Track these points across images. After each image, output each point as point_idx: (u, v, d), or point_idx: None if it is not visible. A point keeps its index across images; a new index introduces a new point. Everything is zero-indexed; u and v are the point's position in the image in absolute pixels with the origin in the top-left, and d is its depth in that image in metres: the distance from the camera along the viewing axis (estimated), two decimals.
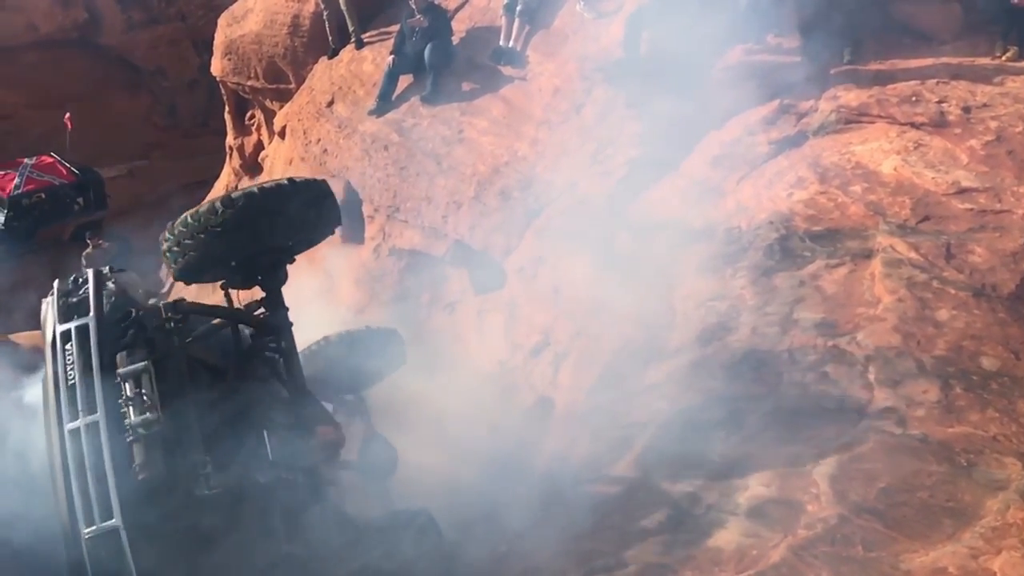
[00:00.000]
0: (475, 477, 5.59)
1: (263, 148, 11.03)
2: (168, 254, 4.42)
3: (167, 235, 4.42)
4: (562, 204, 7.11)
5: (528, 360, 6.54)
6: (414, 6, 8.49)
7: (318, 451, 4.37)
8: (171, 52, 17.24)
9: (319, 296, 7.33)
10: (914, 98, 6.32)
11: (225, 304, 4.72)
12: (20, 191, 13.27)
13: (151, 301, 4.69)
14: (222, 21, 10.77)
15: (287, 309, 4.68)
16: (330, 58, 9.50)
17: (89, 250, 12.12)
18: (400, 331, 6.10)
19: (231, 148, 11.61)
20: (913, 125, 6.14)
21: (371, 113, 8.60)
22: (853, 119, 6.35)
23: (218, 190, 11.95)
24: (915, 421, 4.35)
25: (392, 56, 8.63)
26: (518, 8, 8.25)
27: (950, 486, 4.03)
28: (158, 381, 4.00)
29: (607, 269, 6.22)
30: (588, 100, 7.60)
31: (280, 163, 10.06)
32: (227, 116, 11.57)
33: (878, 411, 4.44)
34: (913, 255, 5.23)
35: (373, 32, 9.42)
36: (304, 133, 9.11)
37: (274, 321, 4.63)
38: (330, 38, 9.51)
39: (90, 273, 4.51)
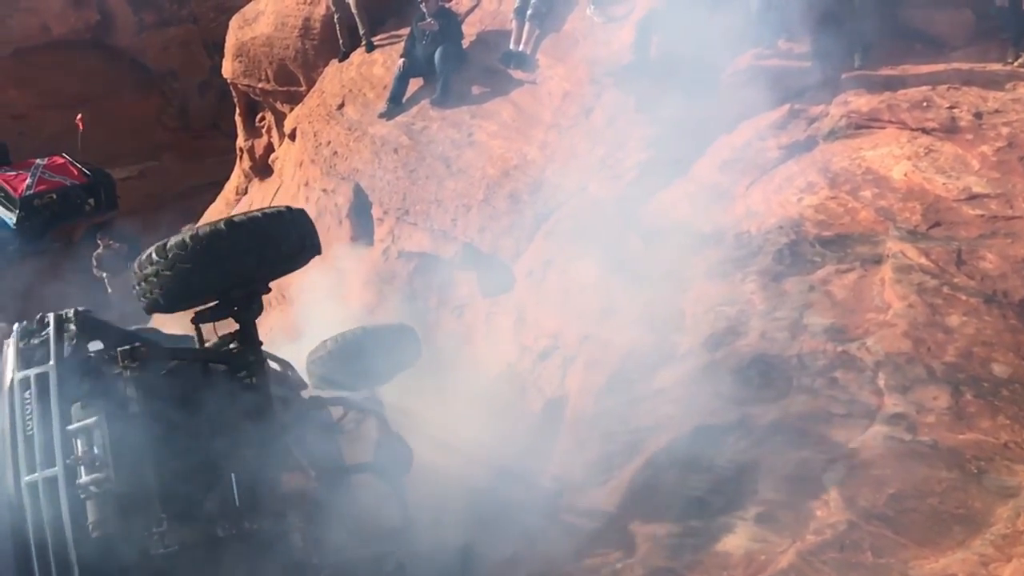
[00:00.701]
0: (483, 480, 5.59)
1: (273, 150, 11.07)
2: (142, 284, 4.21)
3: (155, 256, 4.16)
4: (571, 207, 7.11)
5: (537, 363, 6.54)
6: (425, 10, 8.52)
7: (285, 498, 4.19)
8: (182, 54, 17.36)
9: (329, 296, 7.35)
10: (925, 104, 6.30)
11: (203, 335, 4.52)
12: (32, 191, 13.36)
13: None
14: (233, 23, 10.82)
15: (260, 343, 4.49)
16: (341, 61, 9.54)
17: (100, 250, 12.20)
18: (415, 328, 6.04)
19: (241, 150, 11.66)
20: (924, 131, 6.12)
21: (381, 116, 8.63)
22: (864, 124, 6.34)
23: (228, 191, 12.01)
24: (925, 427, 4.34)
25: (402, 59, 8.66)
26: (528, 12, 8.26)
27: (960, 493, 4.02)
28: (113, 432, 3.84)
29: (616, 273, 6.22)
30: (598, 104, 7.61)
31: (290, 165, 10.10)
32: (237, 118, 11.62)
33: (888, 417, 4.44)
34: (923, 261, 5.21)
35: (384, 35, 9.45)
36: (314, 135, 9.14)
37: (246, 357, 4.42)
38: (341, 41, 9.55)
39: (51, 317, 4.30)
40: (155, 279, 4.19)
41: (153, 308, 4.40)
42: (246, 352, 4.44)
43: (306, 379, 5.53)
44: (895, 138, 6.14)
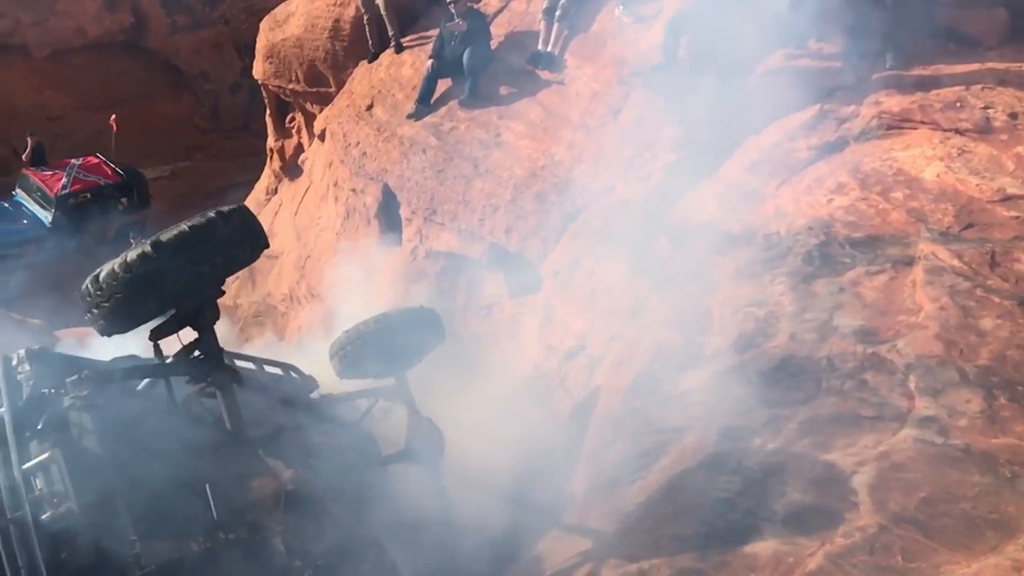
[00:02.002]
0: (508, 479, 5.61)
1: (303, 150, 11.19)
2: (90, 314, 4.17)
3: (93, 286, 4.11)
4: (599, 208, 7.11)
5: (563, 364, 6.55)
6: (453, 11, 8.56)
7: (259, 504, 4.15)
8: (214, 55, 17.59)
9: (358, 295, 7.42)
10: (958, 104, 6.22)
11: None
12: (67, 191, 13.61)
13: None
14: (264, 25, 10.94)
15: (222, 349, 4.48)
16: (370, 62, 9.61)
17: None
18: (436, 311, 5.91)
19: (271, 150, 11.78)
20: (957, 131, 6.04)
21: (410, 117, 8.68)
22: (895, 125, 6.27)
23: (258, 191, 12.14)
24: (957, 431, 4.29)
25: (431, 60, 8.71)
26: (557, 13, 8.28)
27: (993, 497, 3.97)
28: (70, 464, 3.81)
29: (644, 273, 6.21)
30: (626, 104, 7.61)
31: (320, 165, 10.20)
32: (268, 118, 11.74)
33: (919, 420, 4.39)
34: (956, 263, 5.15)
35: (412, 36, 9.52)
36: (343, 136, 9.22)
37: (208, 365, 4.40)
38: (370, 42, 9.62)
39: None
40: (92, 314, 4.14)
41: (103, 335, 4.30)
42: (208, 360, 4.39)
43: (335, 372, 5.54)
44: (927, 139, 6.07)
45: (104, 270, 4.14)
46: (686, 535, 4.20)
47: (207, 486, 3.99)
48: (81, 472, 3.85)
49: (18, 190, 13.98)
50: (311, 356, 5.82)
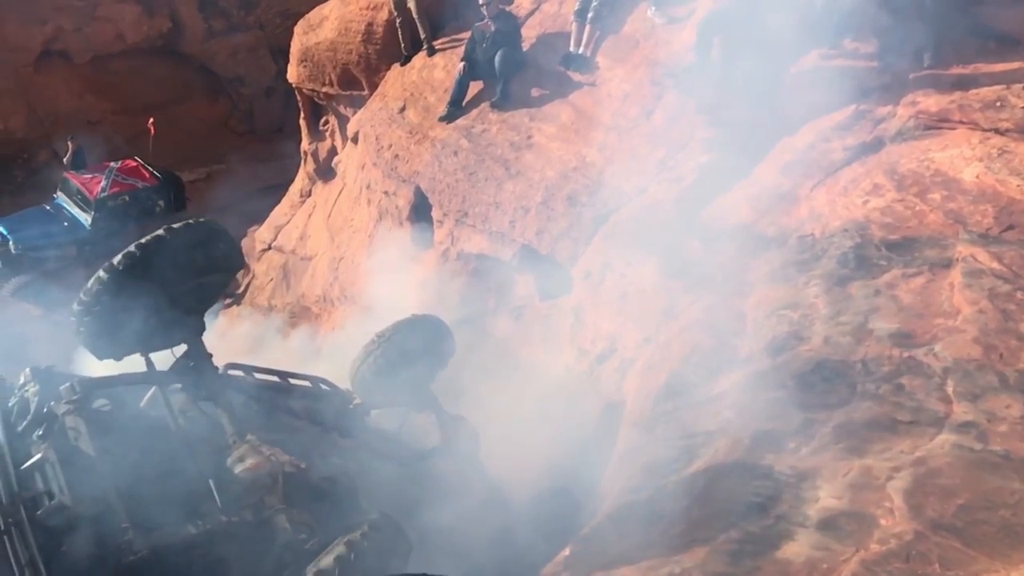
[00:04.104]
0: (541, 481, 5.62)
1: (337, 153, 11.29)
2: (79, 335, 4.44)
3: (76, 306, 4.39)
4: (630, 210, 7.09)
5: (594, 366, 6.54)
6: (485, 13, 8.59)
7: (258, 486, 4.31)
8: (249, 60, 17.81)
9: (390, 297, 7.47)
10: (999, 103, 6.11)
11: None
12: (106, 193, 13.83)
13: None
14: (298, 29, 11.06)
15: (211, 356, 4.73)
16: (402, 65, 9.68)
17: None
18: (445, 322, 5.84)
19: (306, 153, 11.90)
20: (997, 131, 5.94)
21: (442, 119, 8.72)
22: (933, 125, 6.18)
23: (292, 194, 12.28)
24: (997, 437, 4.21)
25: (463, 63, 8.75)
26: (588, 14, 8.27)
27: None
28: (63, 461, 4.05)
29: (676, 276, 6.18)
30: (658, 106, 7.58)
31: (353, 168, 10.29)
32: (302, 122, 11.86)
33: (957, 425, 4.32)
34: (996, 265, 5.06)
35: (445, 39, 9.57)
36: (376, 139, 9.29)
37: (199, 373, 4.65)
38: (403, 45, 9.69)
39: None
40: (80, 334, 4.46)
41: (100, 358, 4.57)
42: (198, 368, 4.67)
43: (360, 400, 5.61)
44: (966, 139, 5.98)
45: (83, 290, 4.44)
46: (718, 540, 4.17)
47: (211, 481, 4.16)
48: (74, 468, 4.07)
49: (59, 193, 14.26)
50: (345, 357, 5.86)
